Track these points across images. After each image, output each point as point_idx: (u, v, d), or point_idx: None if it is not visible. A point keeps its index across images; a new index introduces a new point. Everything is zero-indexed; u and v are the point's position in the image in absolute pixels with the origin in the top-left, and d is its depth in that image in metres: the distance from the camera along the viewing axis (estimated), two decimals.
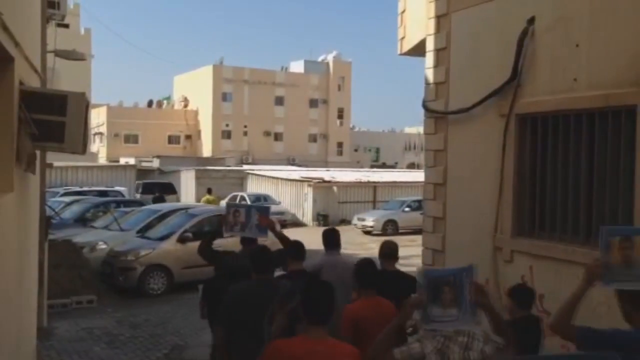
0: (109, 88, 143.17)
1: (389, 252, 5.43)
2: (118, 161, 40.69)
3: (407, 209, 25.58)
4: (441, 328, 3.29)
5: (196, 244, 6.34)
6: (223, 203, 24.07)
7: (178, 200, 28.50)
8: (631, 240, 3.30)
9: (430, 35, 7.92)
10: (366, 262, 4.58)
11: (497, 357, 3.25)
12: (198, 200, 27.69)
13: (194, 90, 57.21)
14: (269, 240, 5.70)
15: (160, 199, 22.03)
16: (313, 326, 3.21)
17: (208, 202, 23.15)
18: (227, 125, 55.12)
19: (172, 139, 56.47)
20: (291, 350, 3.14)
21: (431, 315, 3.27)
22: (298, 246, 5.41)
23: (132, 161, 37.74)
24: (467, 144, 7.31)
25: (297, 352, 3.12)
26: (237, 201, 25.56)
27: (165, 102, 62.43)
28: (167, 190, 28.36)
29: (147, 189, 28.81)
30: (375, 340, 3.37)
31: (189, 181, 33.92)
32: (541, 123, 6.36)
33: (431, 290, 3.28)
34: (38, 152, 5.61)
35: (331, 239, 5.89)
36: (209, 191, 25.58)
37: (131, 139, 54.58)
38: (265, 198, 28.27)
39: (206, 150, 54.26)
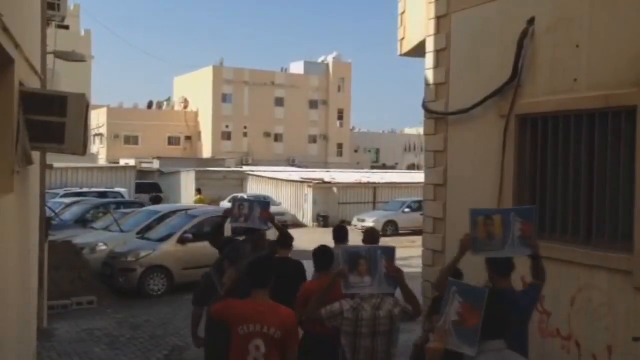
0: (109, 89, 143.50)
1: (371, 238, 6.60)
2: (118, 162, 40.66)
3: (407, 209, 25.58)
4: (358, 292, 4.28)
5: (196, 245, 6.71)
6: (224, 204, 24.09)
7: (165, 199, 29.37)
8: (492, 218, 4.25)
9: (430, 36, 7.92)
10: (321, 249, 5.46)
11: (403, 318, 4.38)
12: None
13: (194, 91, 57.22)
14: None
15: (157, 199, 22.22)
16: (257, 290, 4.02)
17: (201, 202, 23.18)
18: (227, 126, 55.12)
19: (172, 140, 56.49)
20: (242, 309, 4.00)
21: (350, 282, 4.25)
22: (287, 237, 6.46)
23: (132, 162, 37.71)
24: (468, 145, 7.31)
25: (247, 310, 3.98)
26: None
27: (165, 103, 62.45)
28: (154, 190, 30.45)
29: (135, 189, 29.66)
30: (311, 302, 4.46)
31: (189, 182, 33.91)
32: (541, 124, 6.36)
33: (350, 262, 4.25)
34: (38, 153, 5.62)
35: (340, 235, 6.81)
36: (199, 192, 25.77)
37: (131, 140, 54.60)
38: (266, 199, 28.24)
39: (206, 152, 54.25)
